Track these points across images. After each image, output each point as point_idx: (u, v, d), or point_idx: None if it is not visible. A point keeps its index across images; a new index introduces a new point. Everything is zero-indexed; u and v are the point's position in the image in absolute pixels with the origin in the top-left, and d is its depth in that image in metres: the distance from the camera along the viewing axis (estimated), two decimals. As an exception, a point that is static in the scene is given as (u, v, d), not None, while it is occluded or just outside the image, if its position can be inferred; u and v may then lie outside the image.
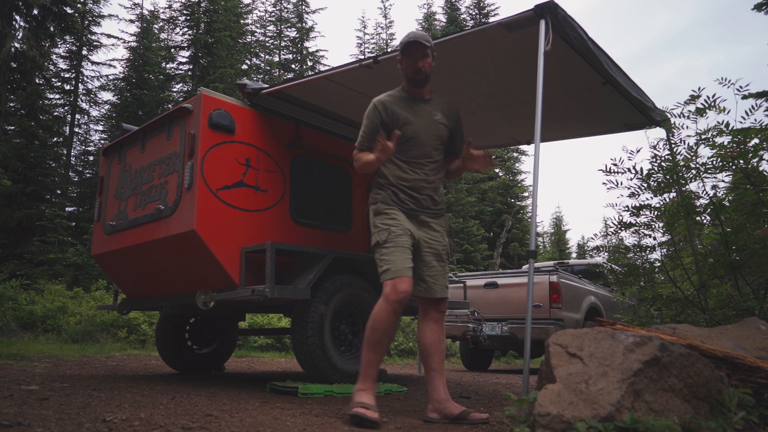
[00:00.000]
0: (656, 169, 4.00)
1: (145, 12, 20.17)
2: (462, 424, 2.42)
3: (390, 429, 2.25)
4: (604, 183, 3.99)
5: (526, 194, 23.98)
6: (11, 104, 14.93)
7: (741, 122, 3.54)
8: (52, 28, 14.51)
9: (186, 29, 18.87)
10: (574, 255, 35.39)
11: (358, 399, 2.36)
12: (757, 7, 5.49)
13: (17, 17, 13.34)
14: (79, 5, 16.67)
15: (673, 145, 4.10)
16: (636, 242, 4.36)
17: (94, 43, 18.11)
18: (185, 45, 18.81)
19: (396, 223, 2.56)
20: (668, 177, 3.91)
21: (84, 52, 18.00)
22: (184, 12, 18.87)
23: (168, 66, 18.95)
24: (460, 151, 2.81)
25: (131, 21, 19.46)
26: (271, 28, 24.92)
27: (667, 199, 4.01)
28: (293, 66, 24.16)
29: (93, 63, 18.23)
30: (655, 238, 4.26)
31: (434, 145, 2.72)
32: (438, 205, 2.73)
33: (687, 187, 3.93)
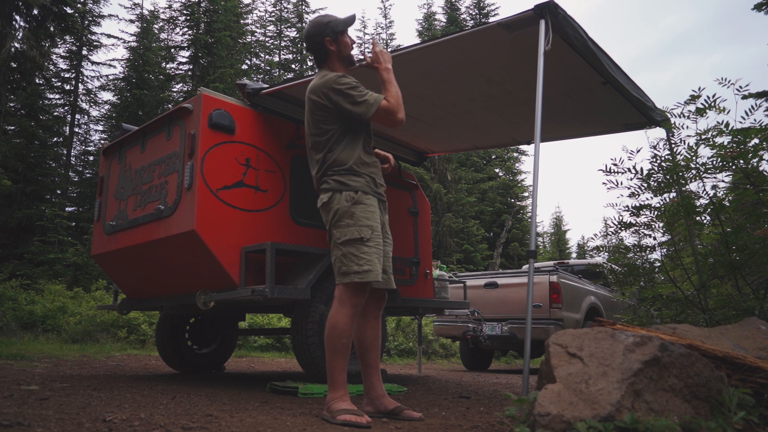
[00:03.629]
0: (656, 169, 4.00)
1: (145, 12, 20.21)
2: (400, 420, 2.44)
3: (390, 429, 2.25)
4: (604, 183, 3.99)
5: (526, 194, 23.99)
6: (11, 104, 14.93)
7: (741, 122, 3.54)
8: (52, 28, 14.52)
9: (186, 29, 18.89)
10: (574, 255, 35.40)
11: (337, 407, 2.32)
12: (757, 7, 5.48)
13: (17, 17, 13.35)
14: (79, 5, 16.68)
15: (673, 145, 4.10)
16: (636, 242, 4.36)
17: (94, 43, 18.14)
18: (185, 45, 18.83)
19: (377, 219, 2.48)
20: (668, 177, 3.91)
21: (84, 52, 18.02)
22: (184, 12, 18.88)
23: (168, 66, 18.97)
24: None
25: (131, 21, 19.52)
26: (271, 28, 24.97)
27: (667, 199, 4.01)
28: (293, 66, 24.17)
29: (93, 63, 18.28)
30: (655, 238, 4.26)
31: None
32: None
33: (687, 187, 3.93)
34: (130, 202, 4.02)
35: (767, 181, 3.42)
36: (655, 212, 3.99)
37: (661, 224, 4.09)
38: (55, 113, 17.27)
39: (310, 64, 24.08)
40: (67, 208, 15.72)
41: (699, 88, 3.71)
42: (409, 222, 5.02)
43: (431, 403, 3.24)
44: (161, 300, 4.16)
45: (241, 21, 21.52)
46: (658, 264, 4.36)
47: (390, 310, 4.81)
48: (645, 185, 4.02)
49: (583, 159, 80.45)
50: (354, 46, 2.69)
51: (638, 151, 4.03)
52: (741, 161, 3.42)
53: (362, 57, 2.79)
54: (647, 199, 4.10)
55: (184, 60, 18.90)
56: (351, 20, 2.66)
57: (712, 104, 3.61)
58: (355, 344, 2.62)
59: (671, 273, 4.25)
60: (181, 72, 18.63)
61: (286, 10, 25.23)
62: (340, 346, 2.40)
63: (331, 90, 2.49)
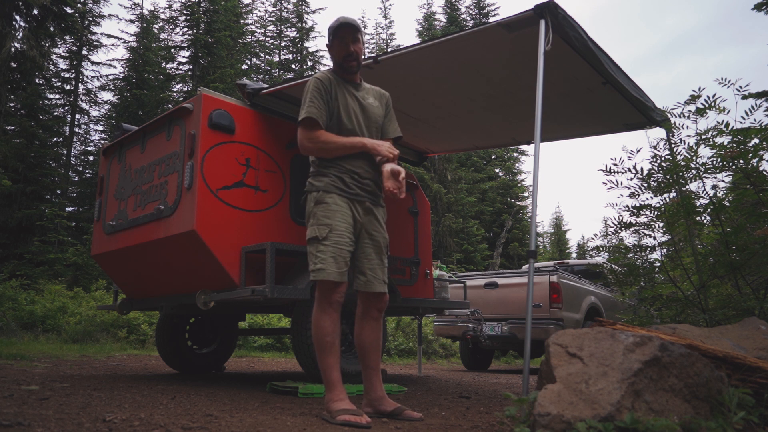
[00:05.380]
0: (656, 169, 4.00)
1: (145, 12, 20.20)
2: (400, 420, 2.44)
3: (390, 429, 2.25)
4: (604, 183, 3.99)
5: (526, 194, 23.99)
6: (11, 104, 14.93)
7: (741, 122, 3.54)
8: (52, 28, 14.51)
9: (186, 29, 18.89)
10: (574, 255, 35.40)
11: (336, 407, 2.32)
12: (757, 7, 5.47)
13: (17, 17, 13.35)
14: (79, 5, 16.68)
15: (673, 145, 4.10)
16: (636, 242, 4.36)
17: (94, 43, 18.14)
18: (185, 45, 18.83)
19: (340, 219, 2.46)
20: (668, 177, 3.90)
21: (84, 52, 18.01)
22: (184, 12, 18.89)
23: (168, 66, 18.97)
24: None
25: (131, 21, 19.52)
26: (271, 28, 24.94)
27: (667, 199, 4.01)
28: (293, 66, 24.16)
29: (93, 63, 18.28)
30: (655, 238, 4.26)
31: (370, 130, 2.65)
32: (379, 195, 2.66)
33: (687, 187, 3.93)
34: (130, 202, 4.02)
35: (767, 181, 3.42)
36: (655, 212, 3.99)
37: (661, 224, 4.09)
38: (55, 113, 17.27)
39: (310, 64, 24.08)
40: (67, 208, 15.71)
41: (699, 88, 3.71)
42: (409, 222, 5.02)
43: (431, 403, 3.24)
44: (161, 300, 4.16)
45: (241, 21, 21.51)
46: (658, 264, 4.36)
47: (390, 310, 4.81)
48: (645, 185, 4.02)
49: (583, 159, 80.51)
50: (345, 52, 2.61)
51: (638, 151, 4.03)
52: (741, 161, 3.42)
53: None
54: (647, 199, 4.10)
55: (184, 60, 18.91)
56: (331, 28, 2.62)
57: (712, 104, 3.61)
58: (356, 346, 2.63)
59: (671, 273, 4.24)
60: (181, 72, 18.63)
61: (286, 10, 25.22)
62: (324, 344, 2.42)
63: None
